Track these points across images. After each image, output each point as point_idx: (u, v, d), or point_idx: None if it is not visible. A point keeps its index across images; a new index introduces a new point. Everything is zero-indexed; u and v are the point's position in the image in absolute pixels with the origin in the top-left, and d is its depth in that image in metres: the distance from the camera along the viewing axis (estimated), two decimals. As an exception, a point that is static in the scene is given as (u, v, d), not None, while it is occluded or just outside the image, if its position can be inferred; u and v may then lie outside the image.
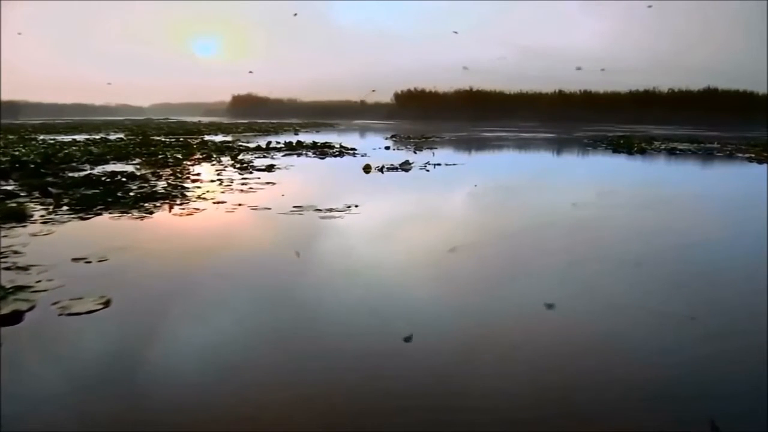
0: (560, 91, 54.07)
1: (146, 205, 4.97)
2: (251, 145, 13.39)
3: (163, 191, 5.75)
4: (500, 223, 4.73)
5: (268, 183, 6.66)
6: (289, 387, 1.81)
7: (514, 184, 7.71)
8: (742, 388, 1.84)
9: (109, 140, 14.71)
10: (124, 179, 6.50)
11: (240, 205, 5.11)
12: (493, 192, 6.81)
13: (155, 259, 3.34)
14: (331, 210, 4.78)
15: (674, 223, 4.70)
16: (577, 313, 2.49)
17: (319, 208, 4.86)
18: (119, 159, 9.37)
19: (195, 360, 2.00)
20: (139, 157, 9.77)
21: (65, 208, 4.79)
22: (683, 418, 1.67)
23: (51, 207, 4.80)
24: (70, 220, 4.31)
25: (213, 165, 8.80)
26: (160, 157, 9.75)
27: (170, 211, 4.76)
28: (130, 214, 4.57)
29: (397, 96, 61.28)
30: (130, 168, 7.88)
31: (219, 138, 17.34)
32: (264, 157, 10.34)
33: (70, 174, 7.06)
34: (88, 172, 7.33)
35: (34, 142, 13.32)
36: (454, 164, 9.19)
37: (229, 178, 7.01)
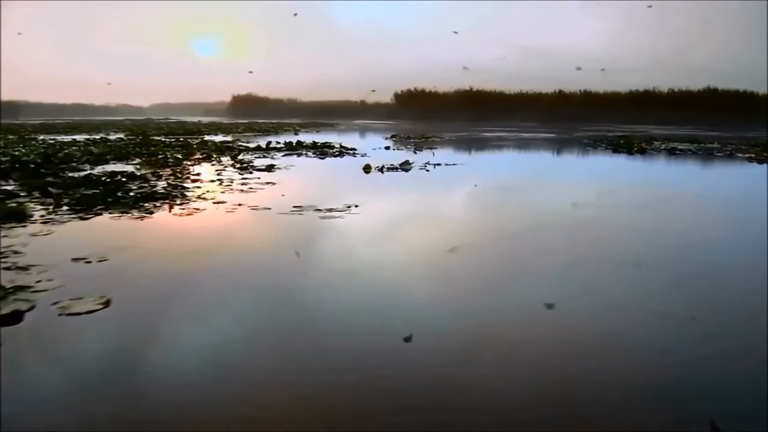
0: (560, 91, 54.07)
1: (146, 205, 4.97)
2: (251, 145, 13.39)
3: (163, 191, 5.75)
4: (500, 223, 4.73)
5: (268, 183, 6.66)
6: (289, 387, 1.81)
7: (514, 184, 7.71)
8: (742, 388, 1.84)
9: (109, 140, 14.71)
10: (124, 179, 6.50)
11: (240, 205, 5.11)
12: (493, 192, 6.81)
13: (155, 259, 3.34)
14: (331, 210, 4.78)
15: (674, 223, 4.70)
16: (577, 313, 2.49)
17: (319, 208, 4.86)
18: (119, 159, 9.37)
19: (195, 360, 2.00)
20: (139, 157, 9.77)
21: (65, 208, 4.79)
22: (683, 418, 1.67)
23: (51, 207, 4.80)
24: (70, 220, 4.31)
25: (213, 165, 8.80)
26: (160, 157, 9.75)
27: (170, 211, 4.76)
28: (130, 214, 4.57)
29: (397, 96, 61.29)
30: (130, 168, 7.87)
31: (219, 138, 17.34)
32: (264, 157, 10.34)
33: (70, 174, 7.06)
34: (88, 172, 7.33)
35: (34, 142, 13.32)
36: (454, 164, 9.19)
37: (229, 178, 7.01)
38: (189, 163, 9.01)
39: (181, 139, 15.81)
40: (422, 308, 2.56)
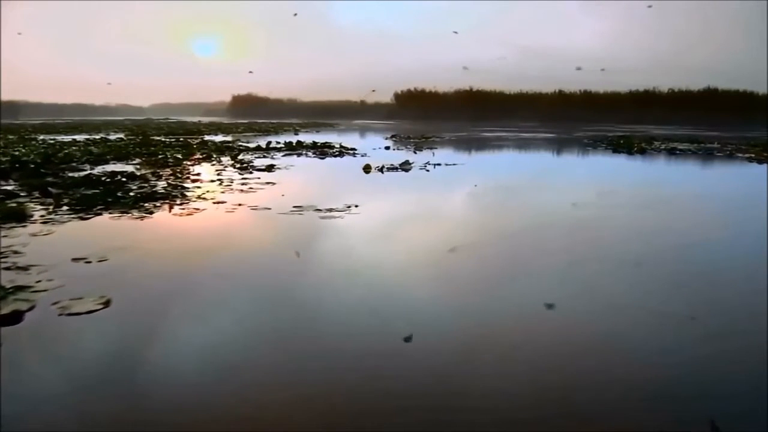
0: (560, 91, 54.07)
1: (146, 205, 4.97)
2: (251, 145, 13.38)
3: (163, 191, 5.75)
4: (500, 223, 4.73)
5: (268, 183, 6.66)
6: (289, 387, 1.81)
7: (514, 184, 7.71)
8: (742, 388, 1.84)
9: (109, 140, 14.71)
10: (124, 179, 6.50)
11: (240, 205, 5.11)
12: (493, 192, 6.81)
13: (155, 259, 3.34)
14: (330, 210, 4.78)
15: (674, 223, 4.70)
16: (577, 313, 2.49)
17: (319, 208, 4.86)
18: (119, 159, 9.37)
19: (195, 360, 2.00)
20: (139, 157, 9.77)
21: (65, 208, 4.79)
22: (683, 418, 1.66)
23: (51, 207, 4.80)
24: (70, 220, 4.31)
25: (213, 165, 8.80)
26: (160, 157, 9.75)
27: (170, 211, 4.76)
28: (130, 214, 4.57)
29: (397, 96, 61.28)
30: (130, 168, 7.87)
31: (219, 138, 17.34)
32: (264, 157, 10.34)
33: (70, 174, 7.06)
34: (88, 172, 7.33)
35: (34, 142, 13.32)
36: (454, 164, 9.19)
37: (229, 178, 7.01)
38: (189, 163, 9.01)
39: (181, 139, 15.81)
40: (422, 308, 2.56)
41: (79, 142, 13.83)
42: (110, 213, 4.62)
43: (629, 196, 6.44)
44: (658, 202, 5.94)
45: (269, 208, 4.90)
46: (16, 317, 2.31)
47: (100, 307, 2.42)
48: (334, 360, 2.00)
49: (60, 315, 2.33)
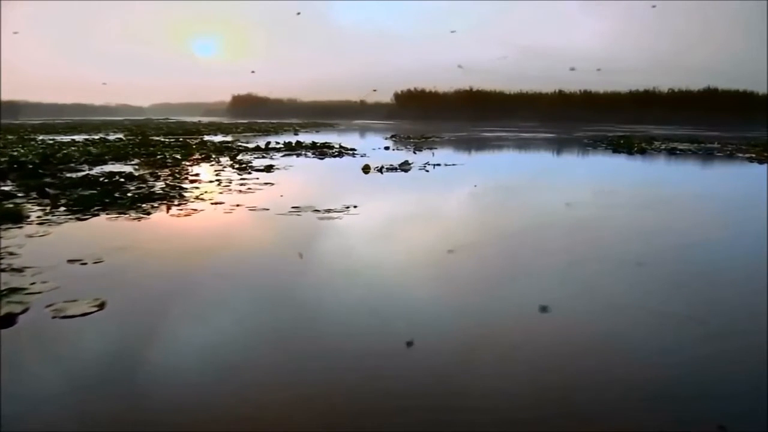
0: (560, 91, 54.07)
1: (144, 205, 4.96)
2: (250, 146, 13.37)
3: (161, 192, 5.74)
4: (500, 223, 4.72)
5: (266, 183, 6.65)
6: (289, 387, 1.81)
7: (514, 184, 7.70)
8: (742, 388, 1.83)
9: (108, 140, 14.69)
10: (122, 180, 6.48)
11: (238, 205, 5.09)
12: (493, 192, 6.80)
13: (151, 260, 3.32)
14: (329, 210, 4.77)
15: (674, 223, 4.69)
16: (577, 313, 2.49)
17: (317, 208, 4.85)
18: (118, 159, 9.36)
19: (192, 361, 1.99)
20: (137, 157, 9.76)
21: (62, 208, 4.77)
22: (683, 418, 1.66)
23: (48, 208, 4.78)
24: (66, 221, 4.29)
25: (212, 165, 8.78)
26: (158, 157, 9.74)
27: (168, 212, 4.74)
28: (127, 215, 4.55)
29: (397, 96, 61.29)
30: (128, 168, 7.86)
31: (218, 138, 17.33)
32: (263, 157, 10.33)
33: (68, 174, 7.05)
34: (86, 172, 7.32)
35: (32, 143, 13.31)
36: (453, 164, 9.18)
37: (227, 179, 7.00)
38: (188, 163, 9.00)
39: (181, 140, 15.79)
40: (422, 308, 2.55)
41: (78, 142, 13.81)
42: (107, 214, 4.60)
43: (629, 196, 6.43)
44: (658, 202, 5.93)
45: (267, 209, 4.89)
46: (9, 320, 2.29)
47: (95, 309, 2.40)
48: (334, 360, 1.99)
49: (54, 318, 2.32)
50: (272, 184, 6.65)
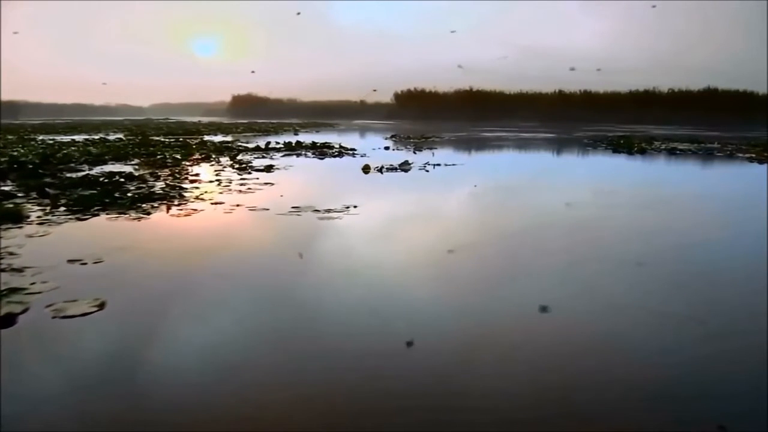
0: (560, 91, 54.07)
1: (144, 205, 4.96)
2: (250, 146, 13.37)
3: (161, 192, 5.74)
4: (500, 224, 4.72)
5: (266, 183, 6.64)
6: (289, 387, 1.81)
7: (514, 184, 7.70)
8: (742, 388, 1.83)
9: (108, 140, 14.69)
10: (122, 180, 6.48)
11: (238, 205, 5.09)
12: (493, 192, 6.80)
13: (151, 260, 3.32)
14: (329, 211, 4.76)
15: (674, 223, 4.69)
16: (577, 313, 2.48)
17: (317, 208, 4.84)
18: (118, 159, 9.36)
19: (193, 361, 1.99)
20: (137, 157, 9.76)
21: (62, 208, 4.77)
22: (683, 418, 1.66)
23: (48, 208, 4.78)
24: (66, 221, 4.29)
25: (212, 165, 8.78)
26: (158, 157, 9.74)
27: (168, 212, 4.74)
28: (127, 215, 4.55)
29: (397, 96, 61.28)
30: (128, 168, 7.86)
31: (218, 138, 17.33)
32: (263, 157, 10.33)
33: (68, 174, 7.04)
34: (86, 172, 7.32)
35: (32, 143, 13.31)
36: (453, 164, 9.17)
37: (227, 179, 6.99)
38: (188, 163, 9.00)
39: (181, 140, 15.79)
40: (422, 308, 2.55)
41: (78, 142, 13.81)
42: (107, 214, 4.60)
43: (629, 196, 6.43)
44: (658, 202, 5.93)
45: (267, 209, 4.89)
46: (9, 320, 2.29)
47: (95, 309, 2.39)
48: (334, 360, 1.99)
49: (54, 318, 2.31)
50: (272, 184, 6.64)
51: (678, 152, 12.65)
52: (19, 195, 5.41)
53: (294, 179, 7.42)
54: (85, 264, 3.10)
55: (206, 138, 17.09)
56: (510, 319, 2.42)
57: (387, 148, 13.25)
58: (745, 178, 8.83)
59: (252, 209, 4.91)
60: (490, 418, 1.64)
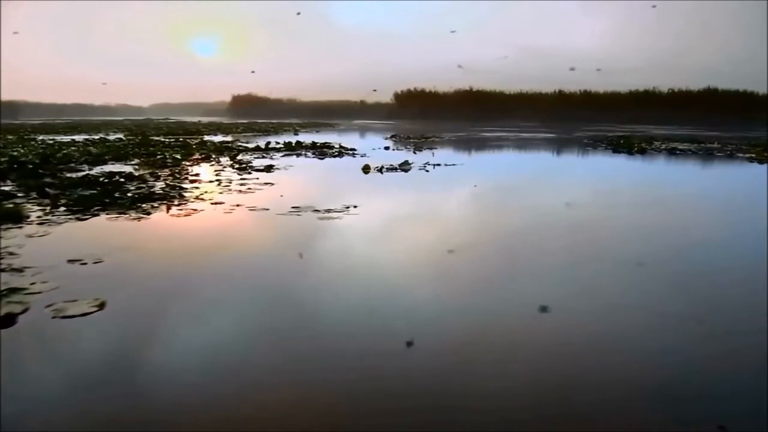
0: (560, 91, 54.04)
1: (144, 205, 4.96)
2: (250, 146, 13.37)
3: (161, 192, 5.74)
4: (500, 223, 4.72)
5: (266, 183, 6.64)
6: (289, 387, 1.81)
7: (514, 184, 7.70)
8: (742, 388, 1.83)
9: (108, 140, 14.69)
10: (122, 180, 6.48)
11: (238, 205, 5.09)
12: (493, 192, 6.80)
13: (151, 260, 3.32)
14: (329, 210, 4.76)
15: (674, 223, 4.69)
16: (577, 313, 2.48)
17: (317, 208, 4.84)
18: (118, 159, 9.36)
19: (193, 361, 1.99)
20: (137, 157, 9.75)
21: (62, 208, 4.77)
22: (683, 418, 1.66)
23: (48, 208, 4.78)
24: (66, 221, 4.29)
25: (212, 165, 8.78)
26: (158, 157, 9.73)
27: (168, 212, 4.74)
28: (127, 215, 4.55)
29: (397, 96, 61.27)
30: (128, 168, 7.86)
31: (218, 138, 17.33)
32: (263, 157, 10.33)
33: (68, 174, 7.04)
34: (86, 172, 7.32)
35: (32, 143, 13.30)
36: (453, 164, 9.17)
37: (227, 179, 6.99)
38: (188, 163, 9.00)
39: (181, 140, 15.79)
40: (422, 308, 2.55)
41: (78, 142, 13.81)
42: (107, 214, 4.60)
43: (629, 196, 6.43)
44: (658, 202, 5.93)
45: (267, 209, 4.89)
46: (9, 320, 2.29)
47: (95, 309, 2.39)
48: (334, 360, 1.99)
49: (54, 318, 2.31)
50: (272, 184, 6.64)
51: (678, 152, 12.65)
52: (19, 195, 5.41)
53: (294, 179, 7.42)
54: (85, 264, 3.10)
55: (206, 138, 17.09)
56: (510, 319, 2.42)
57: (387, 148, 13.24)
58: (745, 178, 8.82)
59: (252, 209, 4.91)
60: (490, 418, 1.64)
